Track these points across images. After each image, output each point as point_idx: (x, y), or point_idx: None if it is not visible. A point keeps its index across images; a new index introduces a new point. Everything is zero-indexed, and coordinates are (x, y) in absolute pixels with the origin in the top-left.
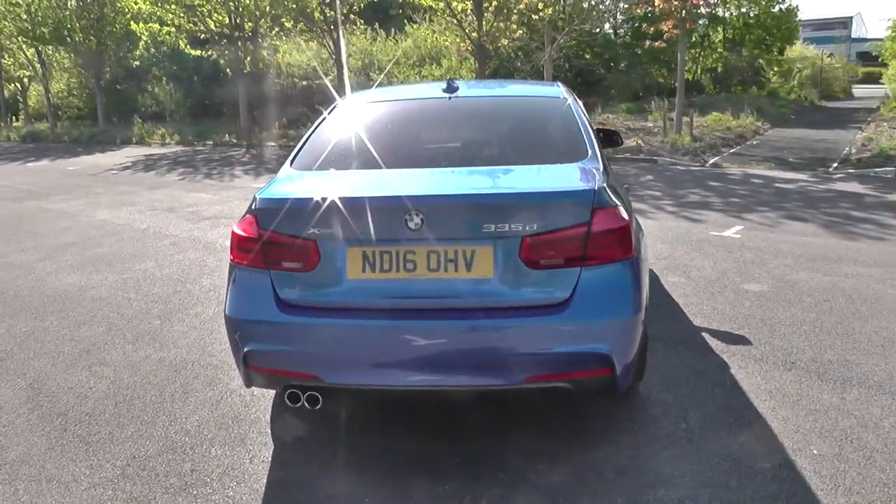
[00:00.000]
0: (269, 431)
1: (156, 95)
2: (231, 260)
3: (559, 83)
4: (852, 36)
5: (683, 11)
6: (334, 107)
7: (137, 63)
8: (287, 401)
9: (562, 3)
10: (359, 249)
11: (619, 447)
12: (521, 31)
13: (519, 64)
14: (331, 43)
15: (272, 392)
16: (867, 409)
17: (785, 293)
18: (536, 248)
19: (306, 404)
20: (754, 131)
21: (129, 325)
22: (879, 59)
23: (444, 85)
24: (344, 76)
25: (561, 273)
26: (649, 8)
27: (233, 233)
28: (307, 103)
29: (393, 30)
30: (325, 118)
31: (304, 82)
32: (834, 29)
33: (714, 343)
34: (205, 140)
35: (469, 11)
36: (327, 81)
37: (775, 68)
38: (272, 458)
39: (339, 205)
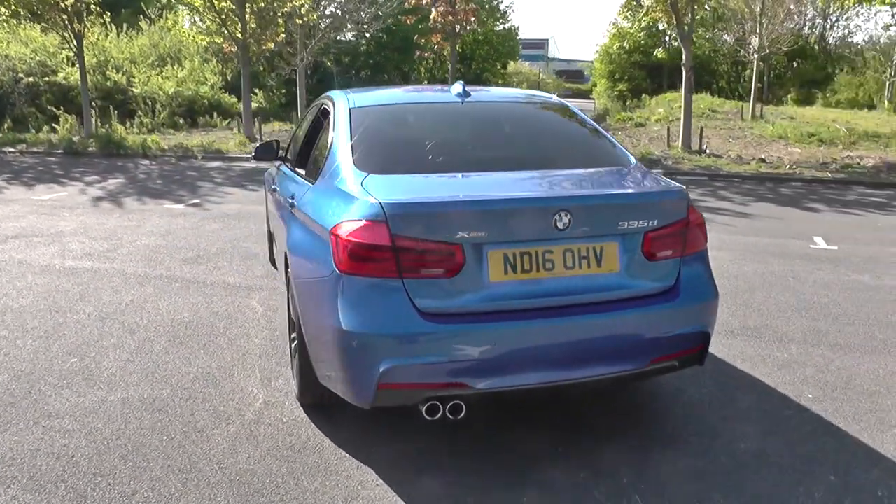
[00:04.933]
0: (348, 454)
1: None
2: (342, 271)
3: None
4: (549, 56)
5: (457, 27)
6: (325, 109)
7: None
8: (425, 414)
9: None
10: (500, 252)
11: (654, 413)
12: (283, 36)
13: (262, 68)
14: (69, 34)
15: (302, 413)
16: (811, 358)
17: None
18: (656, 241)
19: (449, 415)
20: None
21: (37, 368)
22: (591, 81)
23: (448, 88)
24: (86, 73)
25: (670, 263)
26: (416, 19)
27: (348, 241)
28: (34, 103)
29: (125, 25)
30: (334, 121)
31: (31, 78)
32: (539, 48)
33: None
34: None
35: (231, 12)
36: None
37: (499, 81)
38: (382, 478)
39: (487, 207)
